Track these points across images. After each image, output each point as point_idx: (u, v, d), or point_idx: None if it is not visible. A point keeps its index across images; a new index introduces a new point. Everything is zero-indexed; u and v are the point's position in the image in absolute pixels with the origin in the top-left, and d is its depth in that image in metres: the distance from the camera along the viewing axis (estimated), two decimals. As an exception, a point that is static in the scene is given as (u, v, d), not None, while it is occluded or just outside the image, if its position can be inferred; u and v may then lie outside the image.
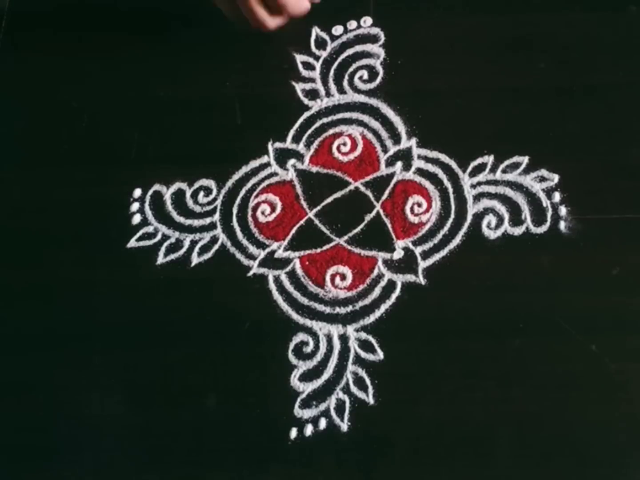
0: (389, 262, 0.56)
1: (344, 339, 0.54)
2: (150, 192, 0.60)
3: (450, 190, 0.57)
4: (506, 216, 0.56)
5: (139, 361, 0.55)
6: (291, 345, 0.54)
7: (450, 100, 0.60)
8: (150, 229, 0.59)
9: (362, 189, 0.58)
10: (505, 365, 0.52)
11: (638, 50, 0.60)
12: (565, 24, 0.62)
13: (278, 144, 0.61)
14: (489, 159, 0.57)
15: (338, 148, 0.60)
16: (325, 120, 0.61)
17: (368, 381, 0.52)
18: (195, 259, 0.58)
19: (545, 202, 0.56)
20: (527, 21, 0.62)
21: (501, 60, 0.61)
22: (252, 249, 0.57)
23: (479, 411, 0.51)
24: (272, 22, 0.61)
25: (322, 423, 0.52)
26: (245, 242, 0.58)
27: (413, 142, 0.59)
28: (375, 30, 0.64)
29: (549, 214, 0.55)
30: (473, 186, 0.57)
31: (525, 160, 0.57)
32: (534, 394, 0.51)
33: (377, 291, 0.55)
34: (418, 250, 0.56)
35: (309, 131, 0.61)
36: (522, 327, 0.52)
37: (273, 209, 0.59)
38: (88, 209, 0.60)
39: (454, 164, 0.58)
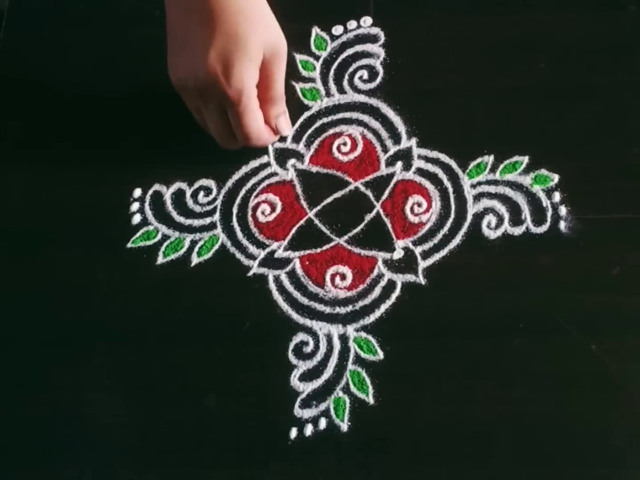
0: (389, 262, 0.56)
1: (344, 338, 0.54)
2: (150, 192, 0.60)
3: (450, 190, 0.57)
4: (506, 216, 0.56)
5: (139, 361, 0.55)
6: (291, 345, 0.54)
7: (450, 100, 0.60)
8: (150, 228, 0.59)
9: (362, 188, 0.58)
10: (505, 365, 0.52)
11: (638, 50, 0.60)
12: (565, 24, 0.62)
13: (278, 144, 0.60)
14: (489, 159, 0.57)
15: (338, 148, 0.60)
16: (325, 120, 0.61)
17: (368, 381, 0.52)
18: (195, 259, 0.57)
19: (545, 202, 0.56)
20: (527, 21, 0.62)
21: (501, 60, 0.61)
22: (252, 248, 0.57)
23: (479, 411, 0.51)
24: (231, 145, 0.58)
25: (322, 423, 0.52)
26: (245, 242, 0.58)
27: (413, 142, 0.59)
28: (375, 30, 0.64)
29: (549, 214, 0.55)
30: (473, 186, 0.57)
31: (525, 160, 0.57)
32: (534, 394, 0.51)
33: (377, 291, 0.55)
34: (418, 250, 0.56)
35: (309, 131, 0.61)
36: (522, 327, 0.52)
37: (273, 209, 0.58)
38: (88, 209, 0.60)
39: (454, 164, 0.58)
